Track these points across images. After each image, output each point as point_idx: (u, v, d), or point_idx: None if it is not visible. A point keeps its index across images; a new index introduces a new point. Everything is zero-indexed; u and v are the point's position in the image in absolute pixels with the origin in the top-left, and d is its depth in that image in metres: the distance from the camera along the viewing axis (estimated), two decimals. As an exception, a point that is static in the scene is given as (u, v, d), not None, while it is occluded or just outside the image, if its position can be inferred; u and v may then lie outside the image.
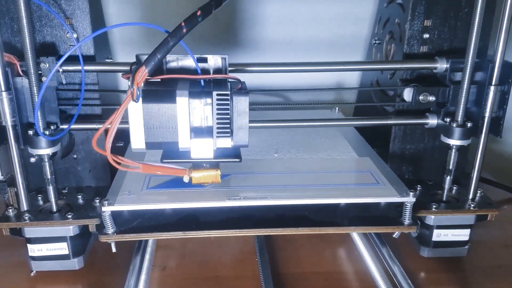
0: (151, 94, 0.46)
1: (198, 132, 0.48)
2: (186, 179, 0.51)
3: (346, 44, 0.87)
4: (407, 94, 0.59)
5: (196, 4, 0.45)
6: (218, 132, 0.48)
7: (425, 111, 0.60)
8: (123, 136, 0.70)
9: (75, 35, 0.56)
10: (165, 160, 0.50)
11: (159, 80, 0.49)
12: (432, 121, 0.59)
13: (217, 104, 0.47)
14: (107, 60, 0.68)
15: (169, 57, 0.50)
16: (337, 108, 0.82)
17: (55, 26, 0.55)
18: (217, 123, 0.47)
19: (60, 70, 0.52)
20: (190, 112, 0.47)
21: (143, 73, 0.44)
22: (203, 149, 0.48)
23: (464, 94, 0.52)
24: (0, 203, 0.57)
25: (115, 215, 0.51)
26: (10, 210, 0.54)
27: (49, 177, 0.53)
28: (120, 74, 0.78)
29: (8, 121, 0.50)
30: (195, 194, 0.53)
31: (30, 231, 0.54)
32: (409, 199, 0.52)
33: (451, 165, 0.56)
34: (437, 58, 0.57)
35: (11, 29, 0.54)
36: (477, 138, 0.56)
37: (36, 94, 0.49)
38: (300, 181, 0.57)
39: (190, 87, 0.47)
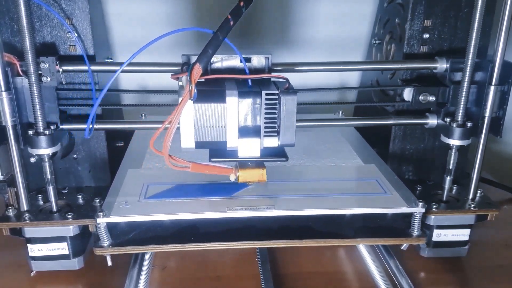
0: (201, 94, 0.46)
1: (245, 131, 0.48)
2: (232, 178, 0.51)
3: (346, 44, 0.87)
4: (407, 94, 0.59)
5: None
6: (265, 132, 0.48)
7: (425, 111, 0.60)
8: (123, 136, 0.70)
9: (75, 35, 0.56)
10: (214, 160, 0.50)
11: (203, 80, 0.49)
12: (432, 121, 0.59)
13: (266, 104, 0.47)
14: (107, 60, 0.68)
15: (213, 58, 0.50)
16: (340, 112, 0.80)
17: (55, 26, 0.55)
18: (265, 123, 0.48)
19: (60, 70, 0.53)
20: (238, 111, 0.47)
21: (198, 71, 0.44)
22: (250, 148, 0.49)
23: (464, 94, 0.52)
24: (0, 203, 0.57)
25: (110, 227, 0.50)
26: (10, 210, 0.54)
27: (49, 177, 0.53)
28: (121, 74, 0.78)
29: (8, 121, 0.50)
30: (194, 204, 0.52)
31: (30, 231, 0.53)
32: (418, 210, 0.51)
33: (451, 165, 0.56)
34: (437, 58, 0.57)
35: (11, 29, 0.54)
36: (477, 138, 0.56)
37: (36, 94, 0.49)
38: (304, 190, 0.55)
39: (238, 87, 0.48)
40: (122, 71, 0.50)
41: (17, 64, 0.50)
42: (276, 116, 0.48)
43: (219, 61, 0.51)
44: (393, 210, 0.52)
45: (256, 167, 0.51)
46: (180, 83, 0.48)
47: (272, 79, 0.51)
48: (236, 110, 0.47)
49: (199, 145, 0.48)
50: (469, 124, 0.54)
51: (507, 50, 0.52)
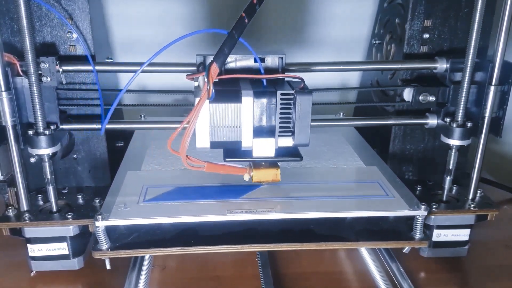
0: (217, 94, 0.46)
1: (260, 131, 0.48)
2: (246, 177, 0.51)
3: (346, 44, 0.87)
4: (407, 94, 0.59)
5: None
6: (280, 132, 0.48)
7: (425, 111, 0.60)
8: (123, 136, 0.70)
9: (75, 35, 0.56)
10: (228, 159, 0.50)
11: (217, 80, 0.48)
12: (432, 121, 0.59)
13: (281, 104, 0.47)
14: (107, 60, 0.68)
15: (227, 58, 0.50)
16: (342, 113, 0.79)
17: (55, 26, 0.55)
18: (280, 123, 0.48)
19: (60, 70, 0.53)
20: (253, 111, 0.47)
21: (215, 70, 0.44)
22: (264, 148, 0.49)
23: (464, 94, 0.52)
24: (0, 203, 0.57)
25: (109, 230, 0.49)
26: (10, 210, 0.54)
27: (49, 177, 0.53)
28: (121, 74, 0.78)
29: (8, 121, 0.50)
30: (194, 207, 0.51)
31: (30, 231, 0.53)
32: (421, 213, 0.50)
33: (451, 165, 0.56)
34: (437, 58, 0.57)
35: (11, 29, 0.54)
36: (477, 138, 0.56)
37: (36, 94, 0.49)
38: (305, 193, 0.54)
39: (253, 87, 0.48)
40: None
41: (17, 64, 0.50)
42: (291, 116, 0.48)
43: (233, 61, 0.51)
44: (395, 213, 0.52)
45: (270, 167, 0.52)
46: (196, 84, 0.48)
47: (286, 79, 0.51)
48: (251, 110, 0.47)
49: (214, 145, 0.48)
50: (469, 124, 0.54)
51: (507, 50, 0.52)
